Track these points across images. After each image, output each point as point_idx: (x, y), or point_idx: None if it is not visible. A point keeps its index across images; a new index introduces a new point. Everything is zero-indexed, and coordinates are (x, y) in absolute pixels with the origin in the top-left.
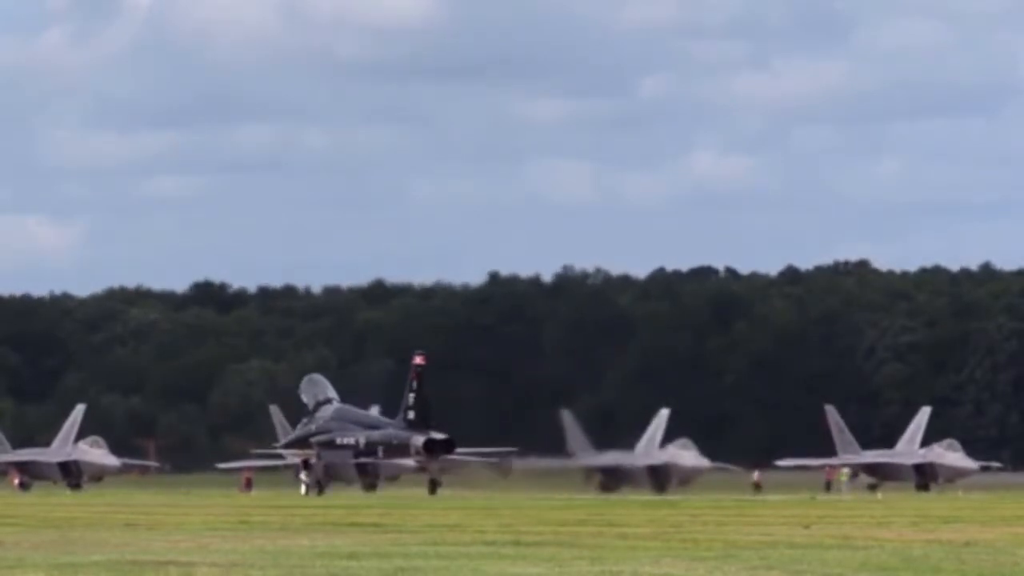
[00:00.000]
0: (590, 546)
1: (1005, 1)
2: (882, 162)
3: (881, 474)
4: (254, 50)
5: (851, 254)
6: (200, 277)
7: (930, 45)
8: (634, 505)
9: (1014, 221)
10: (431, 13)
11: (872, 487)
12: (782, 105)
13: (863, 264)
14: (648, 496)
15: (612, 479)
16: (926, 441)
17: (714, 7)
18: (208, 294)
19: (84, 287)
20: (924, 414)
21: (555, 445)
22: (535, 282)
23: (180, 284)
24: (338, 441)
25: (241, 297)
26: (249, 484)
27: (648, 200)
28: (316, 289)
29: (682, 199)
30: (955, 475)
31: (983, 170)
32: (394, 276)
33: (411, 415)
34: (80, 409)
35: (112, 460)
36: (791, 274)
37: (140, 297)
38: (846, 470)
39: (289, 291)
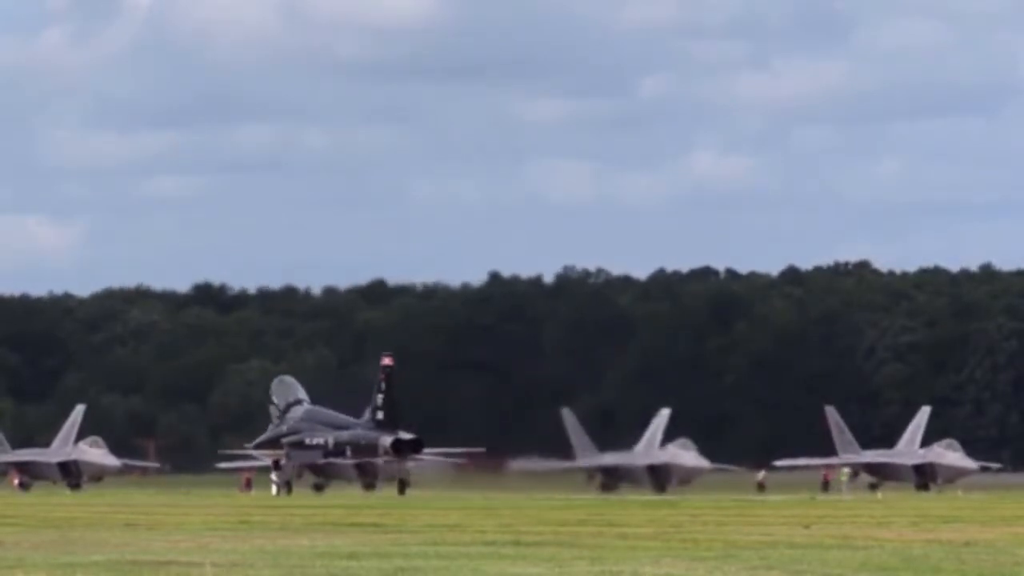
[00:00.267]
0: (590, 546)
1: (1005, 1)
2: (882, 162)
3: (881, 474)
4: (254, 50)
5: (851, 254)
6: (200, 277)
7: (930, 45)
8: (634, 505)
9: (1014, 221)
10: (431, 13)
11: (872, 487)
12: (782, 105)
13: (863, 264)
14: (648, 496)
15: (612, 479)
16: (926, 441)
17: (714, 7)
18: (208, 295)
19: (84, 287)
20: (924, 414)
21: (555, 445)
22: (535, 282)
23: (180, 284)
24: (307, 442)
25: (241, 298)
26: (249, 484)
27: (648, 200)
28: (316, 289)
29: (682, 199)
30: (955, 475)
31: (983, 170)
32: (394, 276)
33: (380, 415)
34: (80, 409)
35: (112, 460)
36: (791, 274)
37: (140, 297)
38: (846, 470)
39: (289, 292)
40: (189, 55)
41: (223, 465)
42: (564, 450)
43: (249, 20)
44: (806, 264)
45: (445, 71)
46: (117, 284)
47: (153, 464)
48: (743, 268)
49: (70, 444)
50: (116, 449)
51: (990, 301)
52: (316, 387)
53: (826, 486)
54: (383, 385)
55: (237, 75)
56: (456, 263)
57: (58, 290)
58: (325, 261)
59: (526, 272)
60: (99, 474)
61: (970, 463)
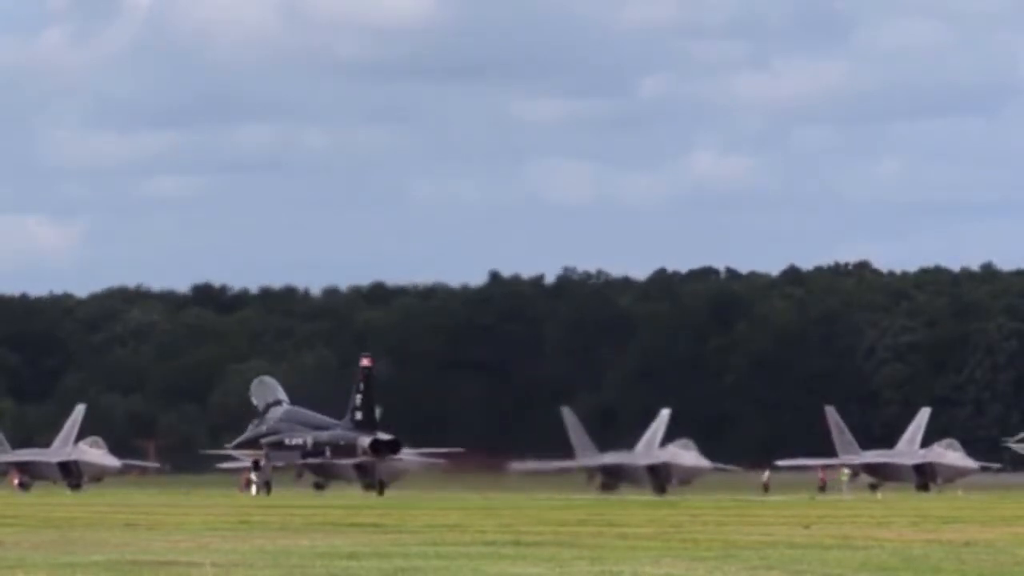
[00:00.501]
0: (590, 546)
1: (1005, 1)
2: (882, 162)
3: (881, 474)
4: (254, 50)
5: (851, 254)
6: (200, 277)
7: (930, 45)
8: (634, 505)
9: (1014, 221)
10: (431, 13)
11: (872, 487)
12: (782, 105)
13: (863, 264)
14: (648, 496)
15: (612, 479)
16: (926, 442)
17: (714, 7)
18: (208, 295)
19: (84, 287)
20: (924, 415)
21: (555, 445)
22: (535, 282)
23: (180, 284)
24: (287, 442)
25: (241, 298)
26: (249, 484)
27: (648, 200)
28: (316, 289)
29: (682, 199)
30: (955, 474)
31: (983, 170)
32: (394, 276)
33: (358, 416)
34: (80, 409)
35: (112, 460)
36: (791, 274)
37: (140, 297)
38: (846, 470)
39: (289, 292)
40: (189, 55)
41: (224, 465)
42: (564, 450)
43: (249, 20)
44: (806, 264)
45: (445, 71)
46: (117, 284)
47: (153, 464)
48: (743, 268)
49: (70, 444)
50: (116, 449)
51: (990, 301)
52: (316, 387)
53: (823, 487)
54: (362, 386)
55: (237, 75)
56: (456, 263)
57: (58, 290)
58: (325, 261)
59: (526, 272)
60: (99, 474)
61: (970, 463)
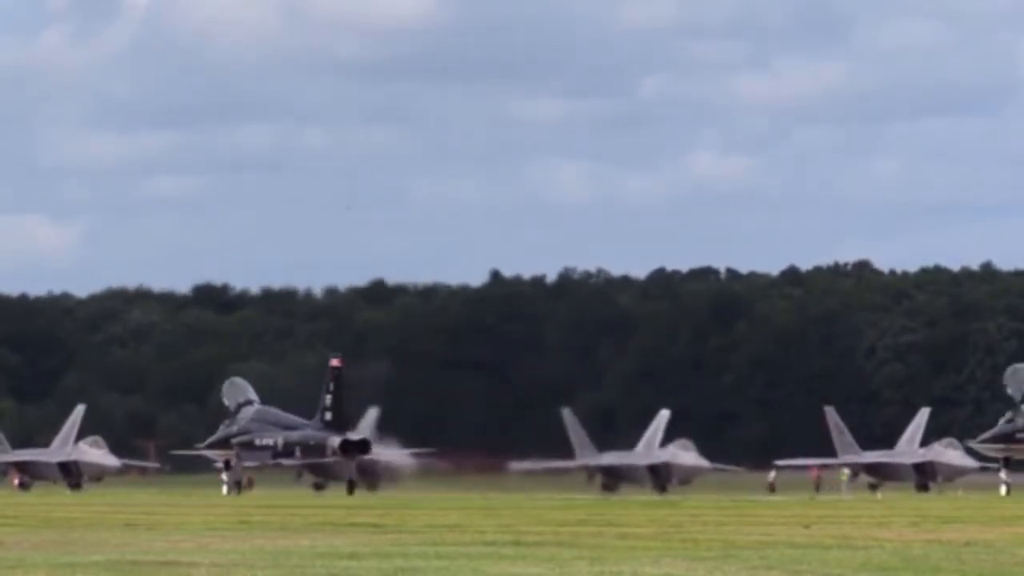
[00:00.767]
0: (590, 546)
1: (1005, 1)
2: (882, 162)
3: (881, 474)
4: (254, 50)
5: (851, 254)
6: (200, 277)
7: (930, 45)
8: (634, 505)
9: (1014, 221)
10: (431, 13)
11: (872, 487)
12: (782, 105)
13: (863, 264)
14: (648, 496)
15: (612, 479)
16: (925, 442)
17: (714, 7)
18: (208, 295)
19: (84, 287)
20: (923, 415)
21: (555, 445)
22: (536, 282)
23: (180, 284)
24: (257, 442)
25: (241, 298)
26: (250, 484)
27: (648, 200)
28: (316, 290)
29: (682, 199)
30: (955, 473)
31: (983, 170)
32: (394, 276)
33: (328, 416)
34: (80, 409)
35: (112, 460)
36: (791, 274)
37: (140, 297)
38: (846, 470)
39: (289, 292)
40: (189, 55)
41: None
42: (564, 450)
43: (249, 20)
44: (806, 264)
45: (445, 71)
46: (117, 284)
47: (153, 464)
48: (743, 268)
49: (70, 444)
50: (116, 449)
51: (990, 301)
52: (317, 387)
53: (817, 487)
54: (331, 386)
55: (237, 75)
56: (456, 263)
57: (58, 290)
58: (325, 261)
59: (526, 272)
60: (99, 474)
61: (970, 462)
